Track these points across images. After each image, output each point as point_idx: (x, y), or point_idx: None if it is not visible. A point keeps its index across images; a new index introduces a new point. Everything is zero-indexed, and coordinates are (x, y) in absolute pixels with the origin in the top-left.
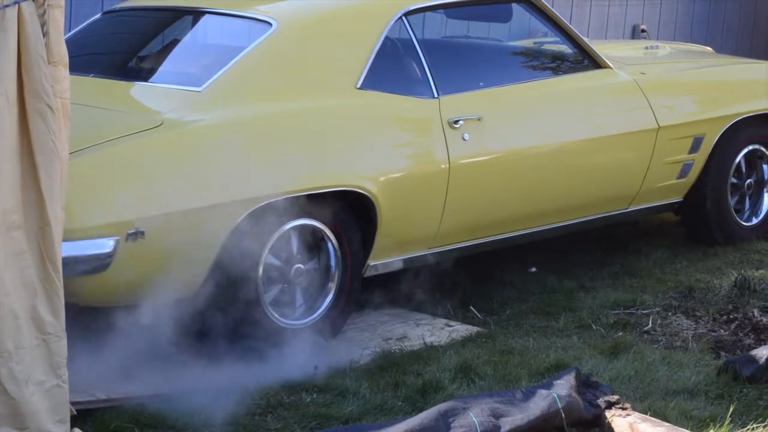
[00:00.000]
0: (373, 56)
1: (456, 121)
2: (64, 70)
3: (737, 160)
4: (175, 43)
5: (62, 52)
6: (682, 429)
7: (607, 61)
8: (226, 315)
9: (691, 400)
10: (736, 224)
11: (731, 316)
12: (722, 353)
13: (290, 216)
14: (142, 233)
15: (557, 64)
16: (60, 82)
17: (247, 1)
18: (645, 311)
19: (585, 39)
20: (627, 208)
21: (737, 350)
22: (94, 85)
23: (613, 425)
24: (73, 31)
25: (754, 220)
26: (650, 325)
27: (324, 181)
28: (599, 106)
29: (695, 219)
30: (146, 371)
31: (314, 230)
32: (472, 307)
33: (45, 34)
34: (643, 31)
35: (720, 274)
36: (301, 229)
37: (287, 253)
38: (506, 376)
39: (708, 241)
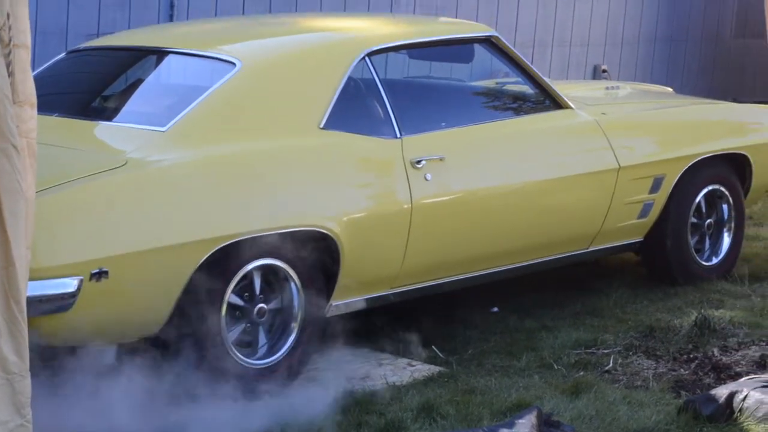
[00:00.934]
0: (336, 96)
1: (418, 161)
2: (30, 110)
3: (697, 200)
4: (139, 82)
5: (28, 92)
6: None
7: (569, 102)
8: (189, 354)
9: None
10: (697, 264)
11: (691, 356)
12: (683, 392)
13: (253, 256)
14: (106, 273)
15: (519, 105)
16: (25, 122)
17: (210, 41)
18: (606, 351)
19: (546, 79)
20: (588, 248)
21: (697, 389)
22: (58, 124)
23: None
24: (37, 71)
25: (714, 260)
26: (611, 364)
27: (287, 221)
28: (560, 147)
29: (656, 259)
30: (108, 410)
31: (277, 270)
32: (434, 347)
33: (10, 74)
34: (604, 71)
35: (680, 314)
36: (265, 268)
37: (250, 293)
38: (468, 415)
39: (668, 280)
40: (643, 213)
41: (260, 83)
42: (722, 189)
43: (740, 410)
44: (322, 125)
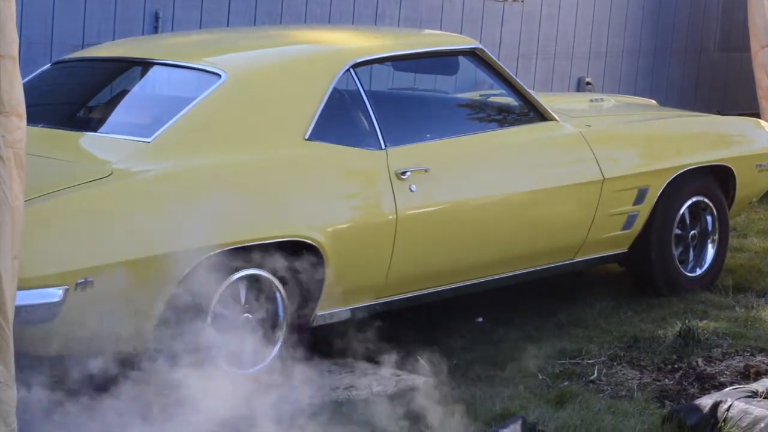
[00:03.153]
0: (321, 108)
1: (403, 173)
2: (17, 121)
3: (681, 211)
4: (124, 93)
5: (15, 103)
6: None
7: (553, 114)
8: (175, 363)
9: None
10: (681, 275)
11: (676, 366)
12: (667, 402)
13: (239, 266)
14: (92, 283)
15: (503, 116)
16: (11, 133)
17: (195, 53)
18: (590, 361)
19: (531, 91)
20: (572, 259)
21: (682, 399)
22: (44, 135)
23: None
24: (22, 82)
25: (698, 271)
26: (596, 374)
27: (272, 232)
28: (545, 158)
29: (640, 270)
30: (94, 420)
31: (263, 280)
32: (419, 357)
33: None
34: (588, 84)
35: (665, 324)
36: (250, 278)
37: (236, 303)
38: (453, 425)
39: (653, 291)
40: (628, 224)
41: (245, 95)
42: (706, 200)
43: (724, 420)
44: (307, 136)
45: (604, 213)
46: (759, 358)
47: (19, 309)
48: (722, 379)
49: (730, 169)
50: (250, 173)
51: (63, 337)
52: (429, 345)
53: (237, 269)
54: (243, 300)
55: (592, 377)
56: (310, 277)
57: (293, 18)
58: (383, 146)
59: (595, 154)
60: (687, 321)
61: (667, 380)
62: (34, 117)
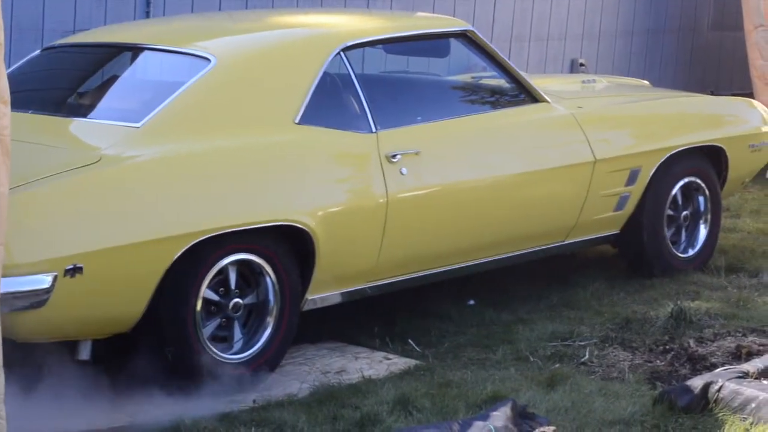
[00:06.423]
0: (311, 91)
1: (394, 156)
2: (3, 107)
3: (673, 192)
4: (113, 79)
5: (1, 89)
6: None
7: (545, 95)
8: (164, 349)
9: (627, 430)
10: (673, 256)
11: (667, 347)
12: (658, 384)
13: (228, 251)
14: (80, 269)
15: (495, 99)
16: (0, 119)
17: (185, 37)
18: (582, 343)
19: (522, 73)
20: (564, 241)
21: (673, 380)
22: (33, 121)
23: None
24: (12, 68)
25: (690, 252)
26: (587, 356)
27: (262, 216)
28: (536, 140)
29: (632, 251)
30: (83, 406)
31: (253, 264)
32: (410, 340)
33: None
34: (581, 65)
35: (656, 306)
36: (240, 263)
37: (226, 288)
38: (444, 408)
39: (645, 272)
40: (620, 205)
41: (235, 79)
42: (698, 181)
43: (715, 401)
44: (297, 120)
45: (596, 194)
46: (750, 338)
47: (7, 296)
48: (714, 360)
49: (722, 149)
50: (240, 158)
51: (52, 324)
52: (420, 328)
53: (227, 254)
54: (233, 285)
55: (583, 359)
56: (300, 261)
57: (285, 1)
58: (374, 129)
59: (586, 135)
60: (679, 302)
61: (658, 361)
62: (24, 103)
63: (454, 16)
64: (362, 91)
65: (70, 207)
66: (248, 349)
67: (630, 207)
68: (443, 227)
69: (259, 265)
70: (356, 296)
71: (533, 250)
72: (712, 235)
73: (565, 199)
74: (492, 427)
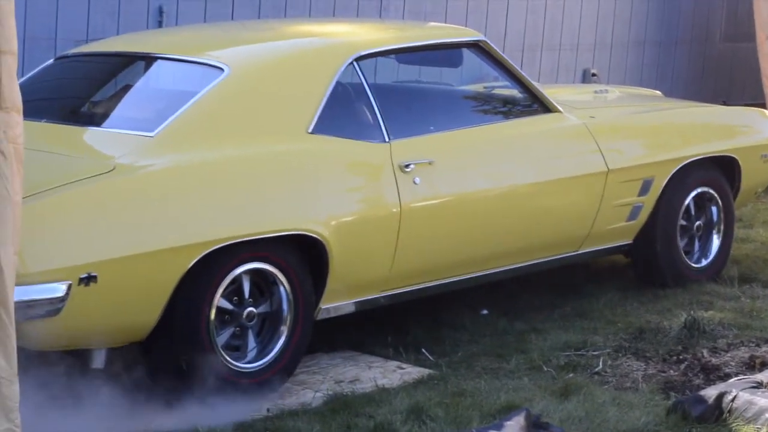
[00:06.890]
0: (324, 101)
1: (407, 165)
2: (16, 116)
3: (686, 202)
4: (127, 88)
5: (15, 98)
6: None
7: (557, 105)
8: (178, 358)
9: None
10: (686, 266)
11: (681, 357)
12: (672, 393)
13: (242, 260)
14: (95, 277)
15: (508, 109)
16: (12, 128)
17: (199, 47)
18: (595, 353)
19: (535, 83)
20: (577, 251)
21: (687, 390)
22: (47, 130)
23: None
24: (25, 77)
25: (704, 262)
26: (600, 366)
27: (276, 225)
28: (549, 150)
29: (645, 261)
30: (97, 415)
31: (266, 274)
32: (423, 350)
33: None
34: (593, 75)
35: (670, 316)
36: (254, 272)
37: (239, 297)
38: (457, 417)
39: (658, 282)
40: (633, 215)
41: (248, 88)
42: (711, 191)
43: (729, 411)
44: (310, 130)
45: (609, 204)
46: (764, 348)
47: (22, 304)
48: (727, 370)
49: (735, 159)
50: (253, 167)
51: (67, 332)
52: (434, 337)
53: (241, 263)
54: (247, 294)
55: (596, 369)
56: (314, 270)
57: (297, 11)
58: (387, 139)
59: (599, 145)
60: (692, 312)
61: (672, 371)
62: (38, 112)
63: (466, 26)
64: (375, 101)
65: (84, 216)
66: (262, 358)
67: (643, 217)
68: (456, 237)
69: (272, 274)
70: (369, 305)
71: (546, 259)
72: (725, 246)
73: (578, 209)
74: None
